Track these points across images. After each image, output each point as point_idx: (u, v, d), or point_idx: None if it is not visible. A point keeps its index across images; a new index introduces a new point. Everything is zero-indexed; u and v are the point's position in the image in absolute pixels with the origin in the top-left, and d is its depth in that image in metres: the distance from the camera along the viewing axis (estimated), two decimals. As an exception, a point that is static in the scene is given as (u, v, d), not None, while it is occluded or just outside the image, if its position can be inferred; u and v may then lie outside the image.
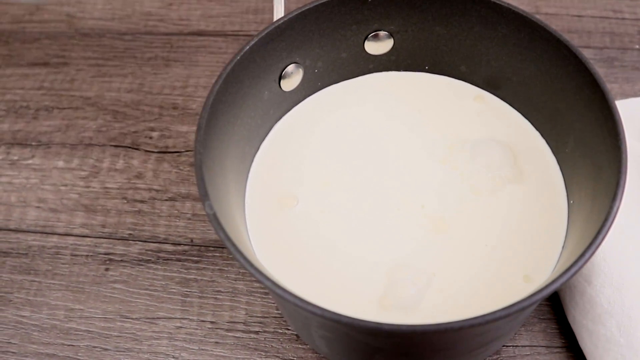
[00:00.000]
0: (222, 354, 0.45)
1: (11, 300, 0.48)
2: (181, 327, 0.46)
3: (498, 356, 0.44)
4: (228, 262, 0.48)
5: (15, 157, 0.54)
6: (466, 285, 0.39)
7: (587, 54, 0.57)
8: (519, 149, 0.44)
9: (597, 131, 0.39)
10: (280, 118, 0.46)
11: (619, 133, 0.36)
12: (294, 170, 0.44)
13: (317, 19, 0.43)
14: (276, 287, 0.33)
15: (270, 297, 0.47)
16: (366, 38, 0.46)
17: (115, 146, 0.54)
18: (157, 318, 0.46)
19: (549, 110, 0.43)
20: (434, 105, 0.47)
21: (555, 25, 0.60)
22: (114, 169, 0.53)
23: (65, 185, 0.53)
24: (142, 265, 0.49)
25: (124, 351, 0.45)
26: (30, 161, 0.54)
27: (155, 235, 0.50)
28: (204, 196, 0.35)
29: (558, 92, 0.42)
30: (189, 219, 0.51)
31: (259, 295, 0.47)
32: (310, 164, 0.44)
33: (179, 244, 0.50)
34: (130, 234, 0.50)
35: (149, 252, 0.49)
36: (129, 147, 0.54)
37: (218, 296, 0.47)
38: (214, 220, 0.34)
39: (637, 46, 0.58)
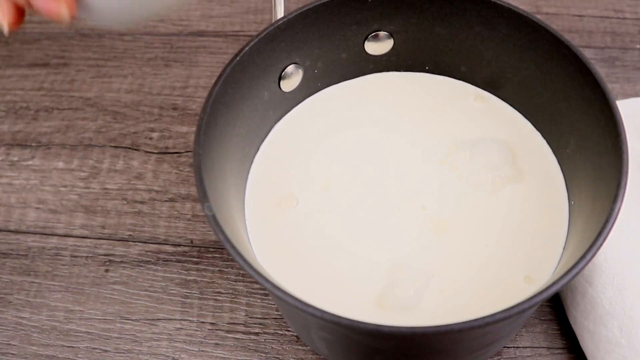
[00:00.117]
0: (222, 355, 0.45)
1: (11, 302, 0.48)
2: (181, 328, 0.46)
3: (499, 357, 0.44)
4: (228, 263, 0.48)
5: (15, 158, 0.54)
6: (466, 286, 0.39)
7: (588, 54, 0.57)
8: (519, 149, 0.44)
9: (598, 131, 0.39)
10: (280, 119, 0.46)
11: (620, 133, 0.36)
12: (294, 171, 0.44)
13: (317, 19, 0.43)
14: (275, 289, 0.33)
15: (270, 298, 0.47)
16: (366, 38, 0.46)
17: (115, 147, 0.54)
18: (157, 319, 0.46)
19: (549, 110, 0.43)
20: (434, 105, 0.46)
21: (555, 25, 0.60)
22: (113, 170, 0.53)
23: (65, 186, 0.53)
24: (142, 266, 0.49)
25: (123, 352, 0.45)
26: (30, 162, 0.54)
27: (155, 236, 0.50)
28: (203, 198, 0.35)
29: (559, 92, 0.42)
30: (189, 220, 0.50)
31: (259, 296, 0.47)
32: (310, 165, 0.44)
33: (179, 245, 0.49)
34: (130, 235, 0.50)
35: (149, 253, 0.49)
36: (129, 148, 0.54)
37: (218, 297, 0.47)
38: (213, 221, 0.34)
39: (638, 46, 0.58)
